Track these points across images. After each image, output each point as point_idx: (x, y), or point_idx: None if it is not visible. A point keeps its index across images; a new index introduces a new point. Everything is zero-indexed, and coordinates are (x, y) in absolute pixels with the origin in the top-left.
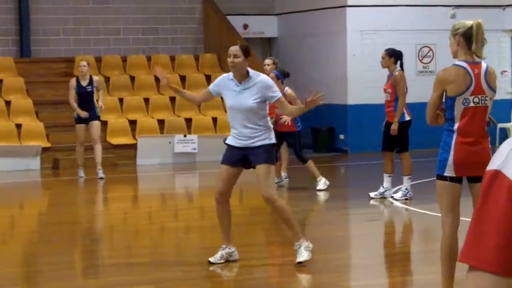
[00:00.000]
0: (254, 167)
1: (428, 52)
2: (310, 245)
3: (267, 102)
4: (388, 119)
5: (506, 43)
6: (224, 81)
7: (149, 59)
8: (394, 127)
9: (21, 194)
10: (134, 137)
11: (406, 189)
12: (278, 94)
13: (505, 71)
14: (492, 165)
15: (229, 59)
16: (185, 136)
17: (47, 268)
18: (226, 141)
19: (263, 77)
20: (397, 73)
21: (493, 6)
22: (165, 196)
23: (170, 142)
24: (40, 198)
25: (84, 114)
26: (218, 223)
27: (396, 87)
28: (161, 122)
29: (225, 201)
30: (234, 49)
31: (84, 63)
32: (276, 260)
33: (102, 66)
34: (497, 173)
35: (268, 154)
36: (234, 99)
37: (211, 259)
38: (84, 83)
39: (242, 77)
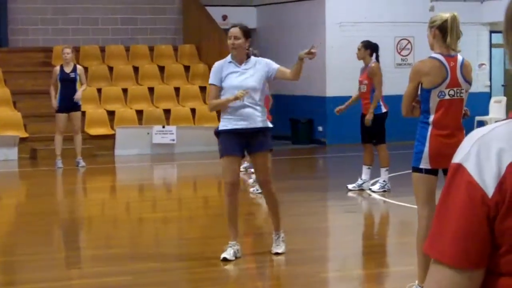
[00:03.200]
0: (252, 152)
1: (407, 44)
2: (284, 236)
3: (267, 84)
4: (364, 112)
5: (484, 36)
6: (221, 66)
7: (127, 49)
8: (369, 117)
9: None
10: (112, 127)
11: (384, 181)
12: (277, 65)
13: (483, 64)
14: (456, 159)
15: (230, 41)
16: (163, 127)
17: (25, 259)
18: (221, 128)
19: (260, 58)
20: (373, 64)
21: (472, 0)
22: (144, 187)
23: (148, 133)
24: (18, 188)
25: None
26: (228, 217)
27: (373, 78)
28: (139, 112)
29: (237, 192)
30: (235, 30)
31: (68, 50)
32: (252, 251)
33: (80, 56)
34: (459, 167)
35: (269, 139)
36: (237, 79)
37: (226, 256)
38: (67, 69)
39: (243, 58)
